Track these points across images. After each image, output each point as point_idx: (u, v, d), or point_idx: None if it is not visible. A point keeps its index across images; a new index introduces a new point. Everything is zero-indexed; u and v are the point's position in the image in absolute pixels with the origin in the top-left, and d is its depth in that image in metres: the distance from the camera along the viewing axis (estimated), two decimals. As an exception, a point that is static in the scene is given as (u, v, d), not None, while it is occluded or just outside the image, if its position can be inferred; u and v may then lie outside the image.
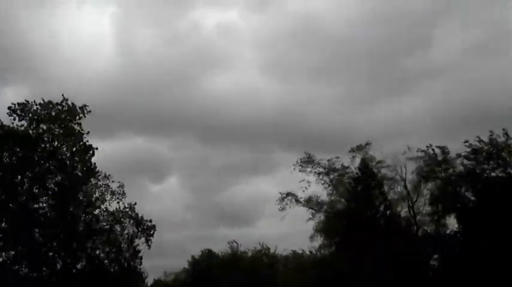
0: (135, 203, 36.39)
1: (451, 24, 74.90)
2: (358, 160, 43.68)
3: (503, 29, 69.39)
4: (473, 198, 37.67)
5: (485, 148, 36.67)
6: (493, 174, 36.50)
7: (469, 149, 37.29)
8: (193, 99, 71.33)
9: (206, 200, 75.35)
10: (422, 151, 39.18)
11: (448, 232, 40.08)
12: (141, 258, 35.87)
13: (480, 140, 36.88)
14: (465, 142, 37.26)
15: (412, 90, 69.18)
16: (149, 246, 36.13)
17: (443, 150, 38.97)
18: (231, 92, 77.25)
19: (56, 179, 33.42)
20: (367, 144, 43.56)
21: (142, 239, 36.11)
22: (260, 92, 76.28)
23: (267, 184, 77.54)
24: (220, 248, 65.92)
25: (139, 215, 36.40)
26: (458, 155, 37.94)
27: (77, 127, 33.86)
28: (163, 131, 69.22)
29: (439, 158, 39.14)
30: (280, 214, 45.02)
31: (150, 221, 36.44)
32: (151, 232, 36.25)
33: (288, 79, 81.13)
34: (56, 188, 32.98)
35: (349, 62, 79.33)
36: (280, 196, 45.16)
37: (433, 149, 39.12)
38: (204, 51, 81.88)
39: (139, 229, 36.00)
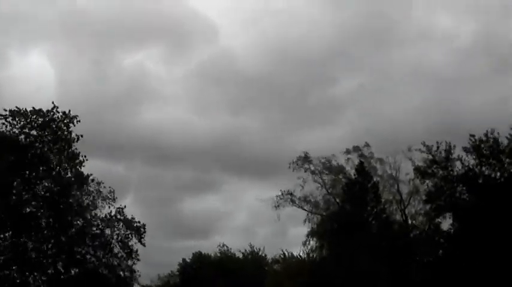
0: (125, 206, 36.34)
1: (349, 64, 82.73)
2: (353, 161, 43.88)
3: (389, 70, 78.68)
4: (467, 198, 37.57)
5: (486, 146, 36.38)
6: (492, 174, 36.39)
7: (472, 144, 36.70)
8: (134, 128, 75.43)
9: (160, 215, 78.65)
10: (426, 145, 38.82)
11: (443, 231, 40.03)
12: (136, 252, 35.69)
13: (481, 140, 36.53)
14: (471, 136, 36.80)
15: (323, 121, 77.51)
16: (143, 244, 36.05)
17: (448, 147, 38.30)
18: (166, 122, 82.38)
19: (47, 184, 33.21)
20: (365, 145, 43.68)
21: (135, 239, 36.04)
22: (194, 122, 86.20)
23: (212, 200, 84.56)
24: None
25: (129, 217, 36.36)
26: (466, 152, 37.00)
27: (66, 135, 33.73)
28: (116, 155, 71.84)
29: (442, 155, 38.52)
30: (275, 213, 44.86)
31: (139, 221, 36.51)
32: (143, 231, 36.21)
33: (213, 112, 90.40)
34: (46, 193, 32.74)
35: (263, 98, 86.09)
36: (280, 193, 44.93)
37: (438, 146, 38.65)
38: (137, 87, 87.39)
39: (130, 231, 36.01)
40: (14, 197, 32.16)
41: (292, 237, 65.46)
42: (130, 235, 35.85)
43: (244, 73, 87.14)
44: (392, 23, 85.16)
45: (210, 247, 72.66)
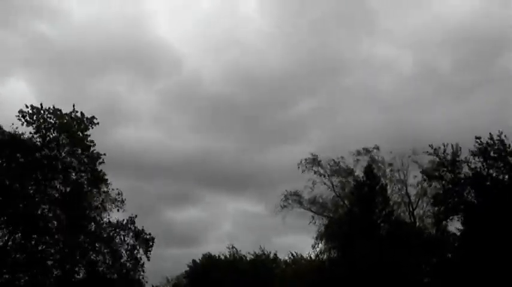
0: (136, 216, 36.45)
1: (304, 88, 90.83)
2: (362, 163, 43.82)
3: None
4: (475, 200, 37.34)
5: (495, 148, 36.07)
6: (500, 176, 36.06)
7: (479, 147, 36.49)
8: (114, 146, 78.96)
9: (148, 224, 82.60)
10: (434, 148, 38.69)
11: (450, 233, 39.84)
12: (142, 265, 35.76)
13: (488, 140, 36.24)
14: (477, 138, 36.65)
15: (285, 139, 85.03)
16: (148, 257, 36.26)
17: (456, 149, 38.14)
18: (143, 142, 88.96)
19: (59, 187, 33.34)
20: (375, 148, 43.62)
21: (141, 250, 36.15)
22: (165, 142, 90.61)
23: (194, 211, 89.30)
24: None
25: (139, 228, 36.48)
26: (472, 155, 36.83)
27: (83, 137, 33.92)
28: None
29: (449, 157, 38.35)
30: (281, 213, 44.81)
31: (149, 233, 36.56)
32: (150, 244, 36.34)
33: (182, 133, 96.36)
34: (58, 196, 32.88)
35: (227, 119, 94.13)
36: (285, 192, 44.89)
37: (444, 149, 38.46)
38: (111, 111, 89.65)
39: (138, 241, 36.00)
40: (24, 200, 32.15)
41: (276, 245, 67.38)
42: (138, 246, 35.94)
43: (209, 97, 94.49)
44: (340, 53, 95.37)
45: (195, 254, 75.55)
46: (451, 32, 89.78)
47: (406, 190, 42.83)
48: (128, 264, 35.37)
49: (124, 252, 35.41)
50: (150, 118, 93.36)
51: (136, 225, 36.16)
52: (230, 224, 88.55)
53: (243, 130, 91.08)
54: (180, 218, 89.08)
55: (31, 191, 32.81)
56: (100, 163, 34.55)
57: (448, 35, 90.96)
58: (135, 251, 35.63)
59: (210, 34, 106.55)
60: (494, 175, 36.26)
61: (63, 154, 33.61)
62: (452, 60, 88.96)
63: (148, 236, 36.17)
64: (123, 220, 35.77)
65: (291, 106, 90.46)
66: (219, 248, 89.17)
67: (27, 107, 32.85)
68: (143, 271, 35.91)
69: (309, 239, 45.90)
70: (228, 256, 66.12)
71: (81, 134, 33.88)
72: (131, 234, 35.67)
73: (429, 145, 38.60)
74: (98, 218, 35.10)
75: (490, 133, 36.32)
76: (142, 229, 36.13)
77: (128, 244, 35.61)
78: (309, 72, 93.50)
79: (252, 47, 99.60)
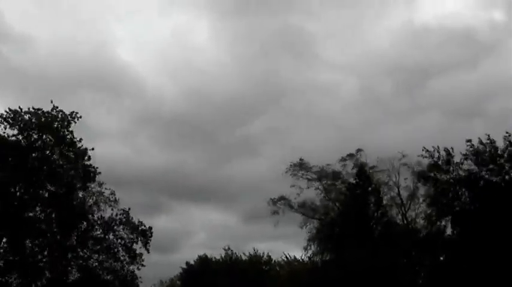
0: (129, 209, 36.12)
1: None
2: (349, 167, 43.97)
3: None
4: (468, 201, 37.38)
5: (487, 150, 36.21)
6: (492, 178, 36.15)
7: (470, 149, 36.65)
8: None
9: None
10: (428, 150, 38.74)
11: (444, 235, 39.85)
12: (141, 257, 35.45)
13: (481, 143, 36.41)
14: (467, 141, 36.79)
15: (244, 153, 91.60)
16: (147, 250, 35.75)
17: (449, 152, 38.27)
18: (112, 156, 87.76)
19: (49, 187, 33.07)
20: (359, 150, 43.75)
21: (140, 243, 35.68)
22: (134, 157, 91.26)
23: (163, 220, 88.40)
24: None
25: (135, 221, 36.06)
26: (465, 157, 37.04)
27: (68, 135, 33.66)
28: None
29: (443, 159, 38.41)
30: (273, 219, 44.87)
31: (144, 225, 36.19)
32: (149, 235, 35.87)
33: (149, 148, 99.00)
34: (48, 197, 32.66)
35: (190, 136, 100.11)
36: (271, 199, 45.04)
37: (438, 151, 38.55)
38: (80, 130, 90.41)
39: (136, 234, 35.61)
40: (14, 201, 32.03)
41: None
42: (136, 238, 35.49)
43: (171, 116, 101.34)
44: (288, 78, 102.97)
45: (171, 261, 76.64)
46: (389, 61, 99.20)
47: (399, 191, 42.87)
48: (124, 259, 34.89)
49: (120, 248, 34.96)
50: (119, 135, 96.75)
51: (131, 217, 35.78)
52: (200, 232, 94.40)
53: (203, 146, 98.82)
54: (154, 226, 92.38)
55: (21, 193, 32.57)
56: (88, 159, 34.32)
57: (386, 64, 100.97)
58: (133, 245, 35.16)
59: (170, 60, 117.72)
60: (486, 177, 36.36)
61: (49, 154, 33.45)
62: (391, 86, 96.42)
63: (144, 227, 35.68)
64: (116, 215, 35.43)
65: (245, 124, 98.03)
66: (192, 254, 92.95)
67: (6, 111, 32.82)
68: (142, 265, 35.47)
69: (280, 246, 46.46)
70: (223, 257, 66.01)
71: (65, 131, 33.64)
72: (126, 228, 35.21)
73: (423, 148, 38.78)
74: (90, 216, 34.77)
75: (478, 138, 36.70)
76: (140, 221, 35.78)
77: (123, 239, 35.16)
78: (260, 94, 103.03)
79: (208, 72, 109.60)
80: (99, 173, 34.93)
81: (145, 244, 35.73)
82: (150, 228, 36.12)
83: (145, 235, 35.78)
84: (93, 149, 34.71)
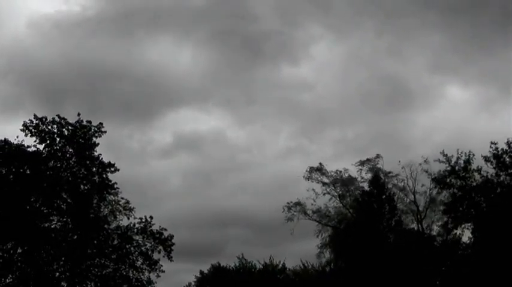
0: (151, 217, 35.03)
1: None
2: (365, 172, 43.66)
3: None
4: (485, 208, 36.87)
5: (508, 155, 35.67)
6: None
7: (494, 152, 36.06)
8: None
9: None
10: (445, 155, 38.27)
11: (461, 242, 39.40)
12: (161, 265, 34.79)
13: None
14: (492, 144, 36.14)
15: None
16: (170, 258, 34.68)
17: (468, 156, 37.70)
18: None
19: (67, 198, 32.84)
20: (377, 157, 43.44)
21: (162, 252, 34.67)
22: None
23: None
24: None
25: (156, 228, 35.02)
26: (485, 160, 36.38)
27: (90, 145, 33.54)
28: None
29: (460, 166, 37.90)
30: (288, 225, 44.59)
31: (166, 230, 35.05)
32: (170, 243, 34.79)
33: None
34: (66, 207, 32.49)
35: None
36: (287, 204, 44.74)
37: (458, 156, 38.01)
38: None
39: (156, 242, 34.62)
40: (31, 211, 31.83)
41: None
42: (157, 247, 34.51)
43: None
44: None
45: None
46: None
47: (415, 198, 42.51)
48: (142, 267, 34.16)
49: (137, 257, 34.22)
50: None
51: (152, 225, 35.00)
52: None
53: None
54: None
55: (39, 203, 32.57)
56: (112, 172, 33.97)
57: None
58: (153, 254, 34.38)
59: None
60: (506, 182, 35.83)
61: (71, 163, 33.29)
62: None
63: (165, 232, 34.74)
64: (134, 224, 34.94)
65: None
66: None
67: (30, 120, 32.61)
68: (162, 271, 34.54)
69: (295, 253, 45.90)
70: (236, 265, 65.52)
71: (89, 143, 33.56)
72: (144, 236, 34.37)
73: (440, 152, 38.37)
74: (107, 226, 34.50)
75: (507, 139, 36.12)
76: (162, 228, 34.86)
77: (142, 248, 34.47)
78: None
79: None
80: (116, 183, 34.70)
81: (169, 253, 34.68)
82: (172, 237, 35.07)
83: (167, 242, 35.01)
84: (114, 164, 34.14)
